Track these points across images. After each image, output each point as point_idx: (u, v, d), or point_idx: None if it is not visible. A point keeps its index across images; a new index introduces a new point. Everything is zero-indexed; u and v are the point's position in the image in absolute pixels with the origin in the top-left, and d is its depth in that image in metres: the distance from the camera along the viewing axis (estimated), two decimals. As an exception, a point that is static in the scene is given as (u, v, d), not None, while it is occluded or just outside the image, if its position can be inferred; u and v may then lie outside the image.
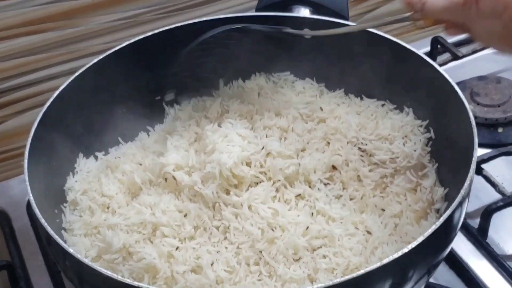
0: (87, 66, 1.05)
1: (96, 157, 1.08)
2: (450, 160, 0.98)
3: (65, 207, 0.99)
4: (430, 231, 0.79)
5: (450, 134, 0.99)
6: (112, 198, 0.99)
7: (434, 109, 1.02)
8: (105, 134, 1.09)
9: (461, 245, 1.06)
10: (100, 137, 1.09)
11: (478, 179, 1.12)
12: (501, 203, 1.06)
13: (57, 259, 0.89)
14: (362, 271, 0.75)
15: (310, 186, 0.99)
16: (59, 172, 1.02)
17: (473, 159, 0.87)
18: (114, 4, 1.28)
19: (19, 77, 1.28)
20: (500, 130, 1.23)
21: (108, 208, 0.99)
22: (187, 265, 0.89)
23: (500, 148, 1.15)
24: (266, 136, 1.03)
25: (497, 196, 1.10)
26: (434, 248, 0.84)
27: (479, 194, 1.13)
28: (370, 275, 0.75)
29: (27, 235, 1.14)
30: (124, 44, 1.09)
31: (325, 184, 1.00)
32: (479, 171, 1.12)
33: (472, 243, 1.07)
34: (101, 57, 1.06)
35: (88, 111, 1.06)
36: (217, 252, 0.91)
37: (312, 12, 1.11)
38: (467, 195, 0.86)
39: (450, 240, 0.88)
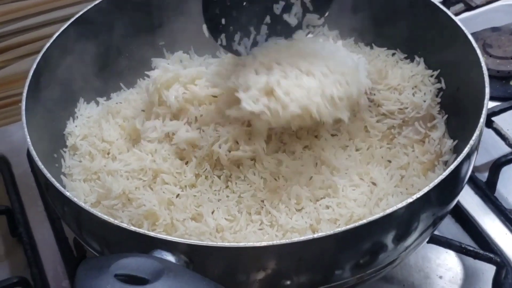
0: (86, 9, 1.02)
1: (97, 103, 1.05)
2: (460, 111, 0.95)
3: (64, 152, 0.98)
4: (436, 181, 0.76)
5: (462, 85, 0.96)
6: (112, 143, 0.97)
7: (446, 59, 0.99)
8: (107, 80, 1.07)
9: (468, 199, 1.04)
10: (102, 83, 1.06)
11: (488, 132, 1.10)
12: (511, 157, 1.03)
13: (56, 204, 0.87)
14: (364, 221, 0.73)
15: (317, 137, 0.96)
16: (59, 116, 1.00)
17: (484, 110, 0.85)
18: None
19: (18, 21, 1.25)
20: (512, 83, 1.20)
21: (108, 154, 0.97)
22: (187, 212, 0.88)
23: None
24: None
25: (507, 150, 1.07)
26: (439, 200, 0.81)
27: (489, 147, 1.10)
28: (373, 225, 0.73)
29: (27, 181, 1.13)
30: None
31: (332, 135, 0.97)
32: (489, 123, 1.09)
33: (480, 197, 1.05)
34: (92, 4, 1.03)
35: (88, 56, 1.03)
36: (218, 201, 0.89)
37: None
38: (476, 147, 0.84)
39: (456, 192, 0.85)
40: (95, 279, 0.67)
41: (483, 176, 1.06)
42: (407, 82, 1.01)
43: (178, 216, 0.87)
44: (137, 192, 0.89)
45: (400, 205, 0.75)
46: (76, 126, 1.00)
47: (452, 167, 0.78)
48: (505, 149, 1.08)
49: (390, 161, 0.95)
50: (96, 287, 0.66)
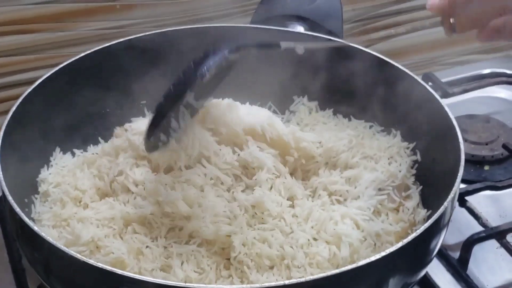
0: (67, 62, 1.04)
1: (73, 154, 1.05)
2: (434, 183, 0.96)
3: (36, 198, 0.96)
4: (408, 239, 0.76)
5: (437, 158, 0.97)
6: (85, 192, 0.96)
7: (423, 134, 1.01)
8: (85, 133, 1.07)
9: (440, 276, 1.03)
10: (80, 135, 1.06)
11: (461, 212, 1.10)
12: (484, 234, 1.03)
13: (26, 249, 0.85)
14: (330, 272, 0.72)
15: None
16: (33, 163, 0.99)
17: (458, 179, 0.86)
18: (106, 12, 1.27)
19: (3, 77, 1.26)
20: (486, 168, 1.21)
21: (80, 202, 0.96)
22: (156, 263, 0.86)
23: (486, 182, 1.13)
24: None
25: (480, 229, 1.07)
26: (407, 263, 0.81)
27: (462, 228, 1.10)
28: (342, 276, 0.72)
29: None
30: (104, 46, 1.07)
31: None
32: (462, 202, 1.10)
33: (451, 274, 1.04)
34: (78, 57, 1.05)
35: (67, 109, 1.04)
36: (189, 254, 0.88)
37: (307, 30, 1.10)
38: (449, 214, 0.85)
39: (426, 259, 0.85)
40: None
41: (456, 255, 1.06)
42: (383, 152, 1.02)
43: (147, 266, 0.85)
44: (106, 240, 0.88)
45: (367, 260, 0.74)
46: (50, 173, 0.99)
47: (422, 229, 0.78)
48: (478, 229, 1.07)
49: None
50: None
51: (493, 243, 1.06)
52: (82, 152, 1.05)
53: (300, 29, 1.10)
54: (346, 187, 0.97)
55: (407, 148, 1.02)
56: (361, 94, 1.07)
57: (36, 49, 1.26)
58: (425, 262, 0.86)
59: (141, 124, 1.03)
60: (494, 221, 1.08)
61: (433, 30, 1.42)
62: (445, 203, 0.81)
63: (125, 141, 0.99)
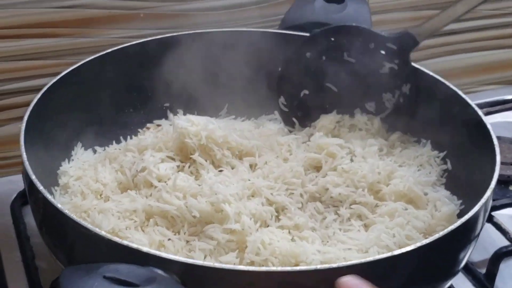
0: (93, 57, 1.03)
1: (94, 151, 1.03)
2: (465, 191, 0.94)
3: (55, 190, 0.94)
4: (440, 234, 0.73)
5: (469, 168, 0.95)
6: (106, 185, 0.94)
7: (455, 143, 0.99)
8: (107, 131, 1.05)
9: (466, 291, 1.00)
10: (101, 134, 1.04)
11: (488, 228, 1.07)
12: (512, 248, 1.00)
13: (49, 232, 0.83)
14: (361, 260, 0.69)
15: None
16: (54, 156, 0.97)
17: (494, 179, 0.85)
18: (130, 20, 1.26)
19: (22, 81, 1.24)
20: (511, 188, 1.19)
21: (101, 195, 0.93)
22: (178, 255, 0.82)
23: (514, 198, 1.11)
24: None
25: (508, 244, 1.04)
26: (441, 259, 0.78)
27: (487, 245, 1.07)
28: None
29: (7, 232, 1.07)
30: (132, 43, 1.07)
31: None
32: (489, 218, 1.07)
33: (479, 290, 1.01)
34: (108, 50, 1.04)
35: (90, 105, 1.03)
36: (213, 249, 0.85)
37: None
38: (483, 213, 0.82)
39: (459, 256, 0.82)
40: (81, 278, 0.62)
41: (482, 271, 1.02)
42: (412, 161, 1.00)
43: (169, 258, 0.82)
44: (127, 231, 0.85)
45: (403, 250, 0.71)
46: (71, 167, 0.97)
47: (458, 222, 0.76)
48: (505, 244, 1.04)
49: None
50: (81, 285, 0.61)
51: (520, 260, 1.03)
52: (104, 150, 1.03)
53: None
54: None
55: (437, 157, 1.00)
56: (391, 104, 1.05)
57: (56, 54, 1.24)
58: (457, 263, 0.82)
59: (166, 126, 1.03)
60: (522, 236, 1.05)
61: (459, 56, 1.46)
62: (482, 200, 0.79)
63: (152, 138, 0.97)
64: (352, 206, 0.92)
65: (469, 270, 1.02)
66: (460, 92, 0.98)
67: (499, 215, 1.08)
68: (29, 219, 1.07)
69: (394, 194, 0.93)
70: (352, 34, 1.03)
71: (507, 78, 1.55)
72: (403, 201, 0.92)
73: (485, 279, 1.01)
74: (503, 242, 1.05)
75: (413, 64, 1.02)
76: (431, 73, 1.02)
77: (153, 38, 1.07)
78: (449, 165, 0.99)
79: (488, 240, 1.08)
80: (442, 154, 1.00)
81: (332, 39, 1.04)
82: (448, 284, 0.85)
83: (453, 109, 0.98)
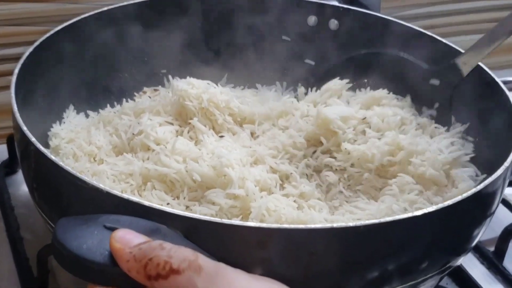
0: (87, 15, 0.97)
1: (87, 115, 0.97)
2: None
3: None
4: (471, 192, 0.69)
5: (492, 143, 0.90)
6: (100, 148, 0.88)
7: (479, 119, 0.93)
8: (100, 95, 0.99)
9: (474, 269, 0.96)
10: (94, 97, 0.99)
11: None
12: (524, 224, 0.96)
13: (40, 185, 0.76)
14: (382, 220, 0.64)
15: None
16: (44, 117, 0.91)
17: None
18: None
19: (9, 47, 1.18)
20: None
21: (94, 158, 0.88)
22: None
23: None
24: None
25: (517, 222, 1.00)
26: (466, 221, 0.73)
27: (493, 224, 1.02)
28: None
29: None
30: (129, 3, 1.01)
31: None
32: (497, 195, 1.03)
33: (487, 268, 0.96)
34: (105, 8, 0.98)
35: (83, 66, 0.97)
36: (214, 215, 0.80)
37: (341, 3, 1.04)
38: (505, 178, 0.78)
39: (476, 226, 0.77)
40: (79, 227, 0.57)
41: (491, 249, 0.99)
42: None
43: (167, 222, 0.77)
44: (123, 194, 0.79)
45: (426, 210, 0.66)
46: (62, 129, 0.91)
47: (485, 183, 0.71)
48: (515, 222, 1.00)
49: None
50: (80, 234, 0.56)
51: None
52: (97, 114, 0.98)
53: (334, 2, 1.04)
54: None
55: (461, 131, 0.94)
56: (404, 73, 1.00)
57: (45, 20, 1.18)
58: (471, 237, 0.78)
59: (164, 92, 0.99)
60: (531, 214, 1.01)
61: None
62: (504, 165, 0.75)
63: (150, 101, 0.92)
64: (358, 187, 0.88)
65: (477, 248, 0.98)
66: (486, 68, 0.92)
67: (506, 194, 1.04)
68: (13, 190, 1.03)
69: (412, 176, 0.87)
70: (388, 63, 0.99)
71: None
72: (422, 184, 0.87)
73: (494, 257, 0.97)
74: (509, 220, 1.01)
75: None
76: (451, 44, 0.96)
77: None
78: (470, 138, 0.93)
79: (494, 220, 1.03)
80: (465, 126, 0.94)
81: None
82: (459, 262, 0.80)
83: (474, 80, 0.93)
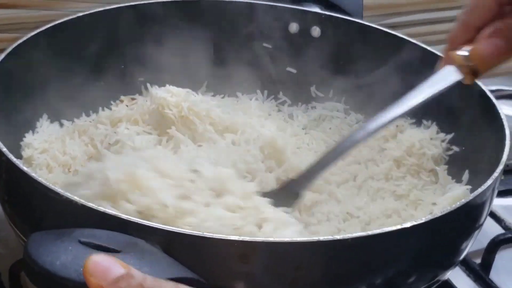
0: (61, 21, 0.93)
1: (61, 124, 0.94)
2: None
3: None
4: (461, 202, 0.67)
5: (474, 152, 0.89)
6: (75, 158, 0.85)
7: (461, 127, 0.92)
8: (75, 104, 0.95)
9: (461, 282, 0.94)
10: (69, 106, 0.95)
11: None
12: (510, 235, 0.95)
13: (6, 190, 0.73)
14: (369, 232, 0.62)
15: None
16: (16, 127, 0.87)
17: (505, 152, 0.77)
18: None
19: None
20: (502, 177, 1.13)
21: (69, 169, 0.84)
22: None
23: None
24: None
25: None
26: (454, 233, 0.71)
27: (480, 237, 1.01)
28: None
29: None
30: (105, 8, 0.97)
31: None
32: (483, 206, 1.01)
33: (473, 280, 0.94)
34: (80, 14, 0.94)
35: (57, 74, 0.92)
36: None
37: (323, 10, 1.02)
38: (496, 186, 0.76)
39: (464, 239, 0.75)
40: (52, 242, 0.53)
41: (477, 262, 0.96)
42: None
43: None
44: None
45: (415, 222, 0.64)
46: (35, 139, 0.88)
47: (475, 193, 0.69)
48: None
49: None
50: (53, 249, 0.53)
51: (514, 252, 0.97)
52: (72, 123, 0.94)
53: (315, 8, 1.02)
54: None
55: (443, 140, 0.93)
56: (387, 84, 0.98)
57: (16, 27, 1.15)
58: (459, 250, 0.75)
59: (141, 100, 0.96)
60: (516, 229, 0.99)
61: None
62: (494, 174, 0.73)
63: (127, 110, 0.89)
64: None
65: (463, 261, 0.95)
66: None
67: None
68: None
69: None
70: None
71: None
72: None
73: (480, 269, 0.95)
74: (495, 232, 0.99)
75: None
76: (435, 51, 0.94)
77: (129, 4, 0.98)
78: (456, 148, 0.92)
79: (482, 231, 1.01)
80: (449, 136, 0.93)
81: None
82: (447, 275, 0.78)
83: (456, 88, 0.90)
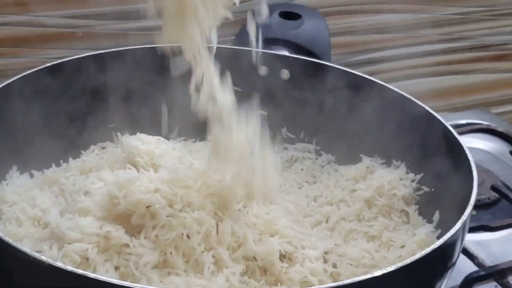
0: (28, 72, 0.92)
1: (31, 175, 0.93)
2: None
3: (-13, 218, 0.84)
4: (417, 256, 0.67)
5: (443, 190, 0.89)
6: (45, 211, 0.84)
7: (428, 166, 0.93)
8: (45, 154, 0.95)
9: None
10: (39, 156, 0.94)
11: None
12: (483, 273, 0.95)
13: None
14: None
15: None
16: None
17: (472, 197, 0.78)
18: (67, 39, 1.17)
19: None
20: (473, 213, 1.13)
21: (39, 222, 0.83)
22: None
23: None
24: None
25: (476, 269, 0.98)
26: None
27: (454, 274, 1.01)
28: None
29: None
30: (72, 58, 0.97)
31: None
32: (456, 242, 1.01)
33: (448, 321, 0.94)
34: (42, 67, 0.94)
35: (24, 124, 0.92)
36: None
37: (292, 53, 1.03)
38: (464, 231, 0.76)
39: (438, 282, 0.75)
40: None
41: (451, 303, 0.97)
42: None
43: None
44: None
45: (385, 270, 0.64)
46: (4, 191, 0.87)
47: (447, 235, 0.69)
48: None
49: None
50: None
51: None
52: (42, 173, 0.94)
53: (284, 52, 1.03)
54: None
55: (413, 180, 0.94)
56: (356, 124, 0.99)
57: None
58: (439, 281, 0.76)
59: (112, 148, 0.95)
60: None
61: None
62: (463, 216, 0.74)
63: (97, 159, 0.89)
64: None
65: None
66: (432, 111, 0.92)
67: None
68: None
69: None
70: None
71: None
72: None
73: (454, 310, 0.95)
74: (469, 269, 0.99)
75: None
76: (401, 92, 0.96)
77: (89, 54, 0.98)
78: (426, 188, 0.93)
79: (457, 267, 1.02)
80: (418, 177, 0.93)
81: None
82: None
83: (424, 128, 0.92)
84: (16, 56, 1.15)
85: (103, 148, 0.98)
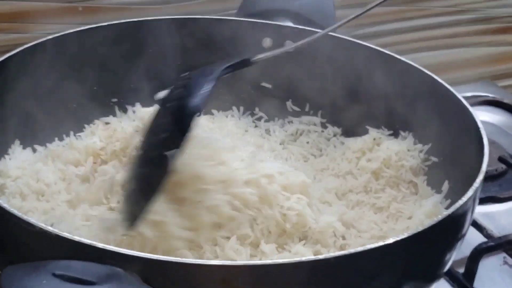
0: (31, 44, 0.91)
1: (34, 150, 0.92)
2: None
3: (-10, 191, 0.83)
4: (442, 215, 0.66)
5: (453, 161, 0.88)
6: (49, 186, 0.83)
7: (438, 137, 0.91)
8: (47, 127, 0.94)
9: (445, 293, 0.93)
10: (41, 130, 0.93)
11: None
12: (492, 243, 0.94)
13: None
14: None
15: None
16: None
17: (484, 163, 0.76)
18: (67, 14, 1.15)
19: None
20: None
21: (43, 196, 0.82)
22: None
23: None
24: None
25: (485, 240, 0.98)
26: (436, 248, 0.70)
27: (462, 244, 1.00)
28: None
29: None
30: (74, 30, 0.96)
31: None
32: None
33: (457, 290, 0.94)
34: (45, 39, 0.92)
35: (26, 97, 0.91)
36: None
37: (296, 25, 1.02)
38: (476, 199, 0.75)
39: (448, 251, 0.74)
40: (26, 276, 0.52)
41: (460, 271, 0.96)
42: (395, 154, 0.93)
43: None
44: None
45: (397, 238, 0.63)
46: (8, 166, 0.86)
47: (456, 205, 0.68)
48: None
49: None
50: (28, 284, 0.51)
51: (497, 260, 0.97)
52: (45, 149, 0.92)
53: (288, 23, 1.01)
54: None
55: (421, 151, 0.92)
56: (363, 95, 0.98)
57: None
58: (443, 262, 0.75)
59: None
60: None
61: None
62: (474, 185, 0.72)
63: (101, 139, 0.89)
64: None
65: (446, 271, 0.95)
66: (441, 80, 0.90)
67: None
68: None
69: None
70: None
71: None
72: None
73: (464, 279, 0.94)
74: (477, 240, 0.99)
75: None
76: (408, 61, 0.94)
77: (91, 26, 0.97)
78: (434, 159, 0.91)
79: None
80: (426, 147, 0.92)
81: None
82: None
83: (432, 98, 0.90)
84: (17, 31, 1.13)
85: (107, 123, 0.96)
